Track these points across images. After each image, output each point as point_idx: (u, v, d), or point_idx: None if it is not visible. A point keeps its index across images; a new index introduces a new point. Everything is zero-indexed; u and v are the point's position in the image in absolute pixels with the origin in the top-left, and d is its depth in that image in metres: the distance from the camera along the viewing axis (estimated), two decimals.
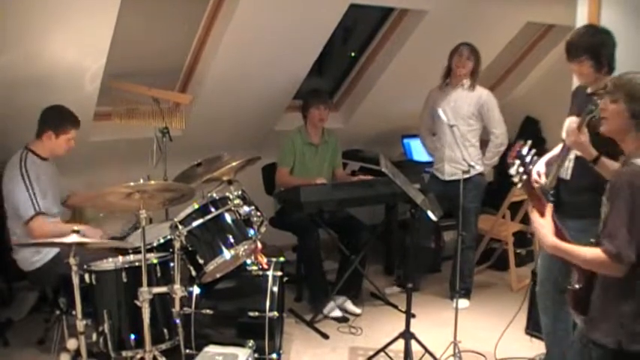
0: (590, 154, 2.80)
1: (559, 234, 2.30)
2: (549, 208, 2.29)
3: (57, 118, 3.56)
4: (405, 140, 5.90)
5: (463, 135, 4.42)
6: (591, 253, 2.14)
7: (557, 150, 3.37)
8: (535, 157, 2.36)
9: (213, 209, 3.43)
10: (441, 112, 4.09)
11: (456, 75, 4.55)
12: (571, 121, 2.92)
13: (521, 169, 2.31)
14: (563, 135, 3.18)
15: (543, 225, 2.28)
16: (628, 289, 2.12)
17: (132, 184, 2.94)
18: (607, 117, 2.28)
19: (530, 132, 6.47)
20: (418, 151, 5.66)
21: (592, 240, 2.25)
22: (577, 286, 2.35)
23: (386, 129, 5.93)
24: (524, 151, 2.31)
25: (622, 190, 2.09)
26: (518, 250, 5.36)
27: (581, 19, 3.87)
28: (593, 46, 2.98)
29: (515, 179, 2.33)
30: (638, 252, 2.06)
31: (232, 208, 3.50)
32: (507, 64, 6.44)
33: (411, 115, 5.25)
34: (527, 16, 5.39)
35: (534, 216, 2.32)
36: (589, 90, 3.12)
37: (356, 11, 4.65)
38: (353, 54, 5.53)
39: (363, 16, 5.14)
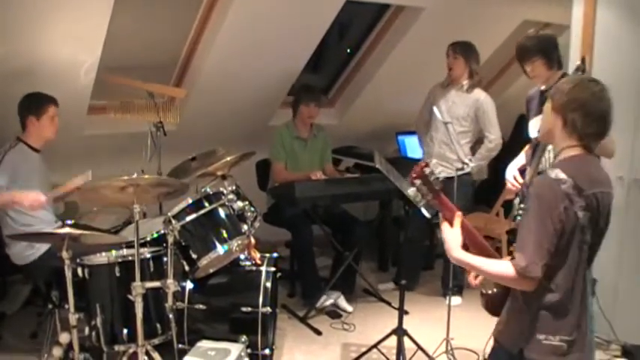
0: None
1: (475, 240, 2.27)
2: (458, 219, 2.23)
3: (32, 102, 3.55)
4: (400, 137, 5.90)
5: (457, 134, 4.42)
6: (498, 266, 2.12)
7: (522, 158, 3.45)
8: (439, 177, 2.30)
9: (206, 204, 3.42)
10: (435, 109, 4.09)
11: (450, 76, 4.56)
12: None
13: (424, 189, 2.25)
14: (533, 134, 3.26)
15: (450, 237, 2.21)
16: (541, 302, 2.12)
17: (125, 177, 2.93)
18: (543, 120, 2.27)
19: (524, 130, 6.46)
20: (413, 148, 5.66)
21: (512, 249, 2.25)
22: (491, 291, 2.34)
23: (381, 125, 5.94)
24: (427, 171, 2.25)
25: (532, 201, 2.08)
26: (511, 248, 5.34)
27: (577, 18, 3.88)
28: (544, 46, 3.22)
29: (417, 199, 2.27)
30: (546, 266, 2.04)
31: (226, 203, 3.49)
32: (503, 63, 6.44)
33: (406, 112, 5.25)
34: (523, 15, 5.39)
35: (444, 226, 2.26)
36: (542, 88, 3.24)
37: (352, 7, 4.64)
38: (349, 50, 5.53)
39: (359, 12, 5.13)
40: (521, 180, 3.26)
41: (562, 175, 2.03)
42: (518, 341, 2.15)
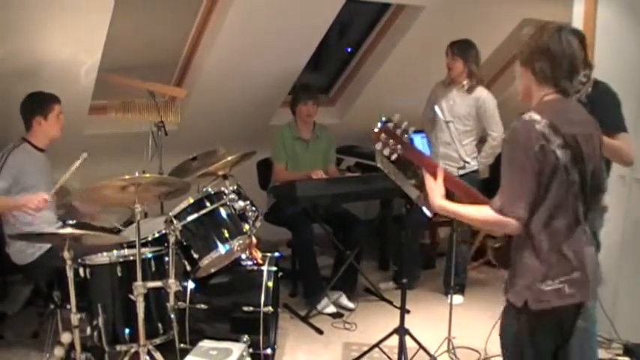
0: None
1: (463, 189, 2.30)
2: (440, 170, 2.28)
3: (37, 102, 3.55)
4: None
5: (459, 133, 4.42)
6: (479, 210, 2.13)
7: None
8: (408, 128, 2.33)
9: (208, 204, 3.43)
10: (437, 109, 4.08)
11: (450, 76, 4.54)
12: None
13: (392, 142, 2.30)
14: None
15: (433, 187, 2.27)
16: (530, 248, 2.12)
17: (127, 177, 2.92)
18: (518, 82, 2.27)
19: None
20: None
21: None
22: (497, 245, 2.37)
23: None
24: (391, 125, 2.29)
25: (505, 147, 2.11)
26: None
27: (578, 16, 3.88)
28: None
29: (385, 152, 2.34)
30: (531, 209, 2.04)
31: (227, 203, 3.50)
32: (503, 61, 6.43)
33: (407, 111, 5.18)
34: (523, 13, 5.38)
35: (426, 178, 2.31)
36: None
37: (353, 6, 4.64)
38: (349, 49, 5.52)
39: (360, 11, 5.13)
40: None
41: (536, 116, 2.06)
42: (521, 294, 2.14)
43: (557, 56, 2.11)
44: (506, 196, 2.05)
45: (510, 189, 2.05)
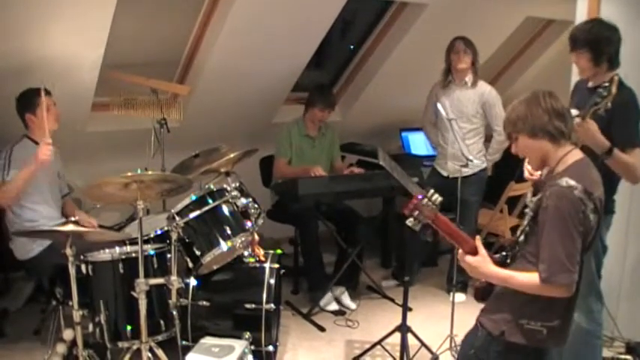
0: (602, 145, 2.75)
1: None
2: (479, 242, 2.22)
3: (23, 100, 3.55)
4: (404, 134, 5.89)
5: (462, 131, 4.40)
6: (528, 278, 2.13)
7: None
8: (438, 199, 2.26)
9: (210, 201, 3.43)
10: (439, 106, 4.06)
11: (457, 71, 4.49)
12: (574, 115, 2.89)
13: (422, 218, 2.25)
14: None
15: (480, 263, 2.21)
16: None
17: (129, 174, 2.92)
18: (528, 155, 2.30)
19: None
20: (416, 145, 5.65)
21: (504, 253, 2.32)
22: (479, 283, 2.40)
23: (384, 122, 5.93)
24: (425, 202, 2.23)
25: (551, 214, 2.09)
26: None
27: (581, 14, 3.86)
28: (595, 40, 2.99)
29: (415, 227, 2.30)
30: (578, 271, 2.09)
31: (230, 200, 3.50)
32: (506, 59, 6.42)
33: (409, 109, 5.24)
34: (526, 11, 5.37)
35: (465, 257, 2.23)
36: (590, 84, 3.11)
37: (355, 3, 4.62)
38: (352, 47, 5.51)
39: (363, 8, 5.12)
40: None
41: (572, 182, 2.07)
42: (501, 324, 2.22)
43: (560, 109, 2.17)
44: (553, 266, 2.06)
45: (557, 258, 2.06)
